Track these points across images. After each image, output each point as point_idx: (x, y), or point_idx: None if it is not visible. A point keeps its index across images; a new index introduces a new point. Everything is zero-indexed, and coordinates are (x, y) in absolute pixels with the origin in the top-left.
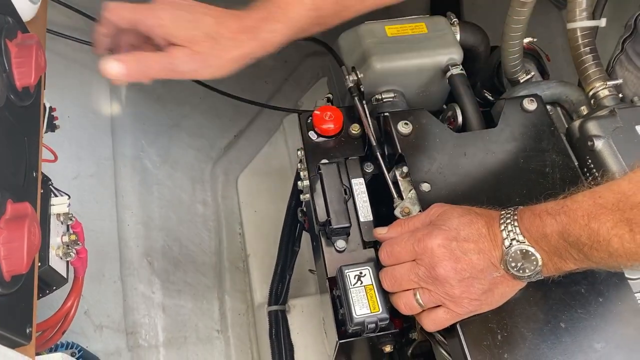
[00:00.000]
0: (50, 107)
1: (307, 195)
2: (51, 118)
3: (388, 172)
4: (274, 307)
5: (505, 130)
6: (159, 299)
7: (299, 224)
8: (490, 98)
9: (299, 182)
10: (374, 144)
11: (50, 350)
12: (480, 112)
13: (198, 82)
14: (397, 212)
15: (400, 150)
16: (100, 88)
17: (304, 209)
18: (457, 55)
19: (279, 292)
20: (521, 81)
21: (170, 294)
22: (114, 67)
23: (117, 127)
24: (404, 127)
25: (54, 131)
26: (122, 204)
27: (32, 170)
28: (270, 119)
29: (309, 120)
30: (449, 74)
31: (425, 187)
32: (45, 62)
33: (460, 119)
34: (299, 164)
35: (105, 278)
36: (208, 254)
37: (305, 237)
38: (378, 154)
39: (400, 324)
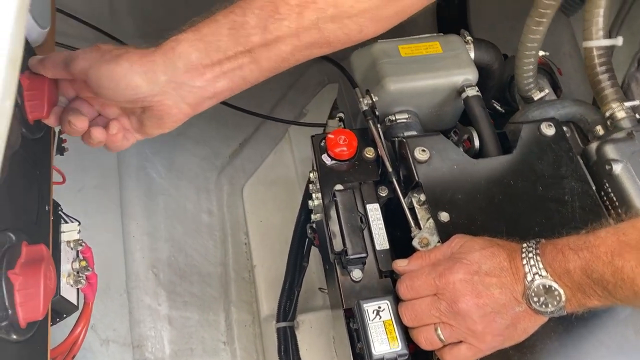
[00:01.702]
0: (60, 131)
1: (319, 215)
2: (60, 141)
3: (404, 197)
4: (283, 324)
5: (523, 156)
6: (165, 311)
7: (307, 240)
8: (500, 109)
9: (310, 202)
10: (390, 170)
11: None
12: (497, 136)
13: None
14: (415, 242)
15: (417, 178)
16: None
17: (314, 226)
18: (472, 75)
19: (287, 309)
20: (535, 98)
21: (176, 305)
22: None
23: None
24: (421, 154)
25: (62, 154)
26: (127, 214)
27: (44, 204)
28: (275, 127)
29: (322, 143)
30: (464, 95)
31: (444, 216)
32: (57, 94)
33: (477, 143)
34: (310, 185)
35: (111, 291)
36: (213, 265)
37: (314, 251)
38: (394, 180)
39: (413, 348)
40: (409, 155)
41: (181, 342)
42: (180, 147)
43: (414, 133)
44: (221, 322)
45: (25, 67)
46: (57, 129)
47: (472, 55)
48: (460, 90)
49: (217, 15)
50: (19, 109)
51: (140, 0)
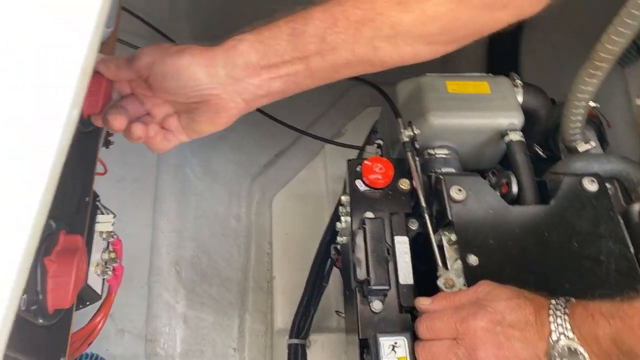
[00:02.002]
0: None
1: (345, 238)
2: (107, 134)
3: (434, 234)
4: (295, 341)
5: (561, 209)
6: (182, 310)
7: (330, 260)
8: (542, 154)
9: (337, 223)
10: (423, 205)
11: None
12: (536, 185)
13: None
14: (440, 282)
15: (450, 217)
16: None
17: (338, 248)
18: (517, 120)
19: (302, 326)
20: (579, 150)
21: (193, 305)
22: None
23: None
24: (457, 194)
25: (107, 147)
26: (159, 210)
27: (85, 195)
28: (312, 142)
29: (357, 168)
30: (507, 138)
31: (473, 260)
32: (111, 92)
33: (515, 189)
34: (340, 207)
35: (134, 283)
36: (234, 270)
37: (335, 272)
38: (426, 216)
39: None
40: (445, 192)
41: (193, 342)
42: (219, 151)
43: (452, 170)
44: (234, 328)
45: None
46: None
47: (520, 99)
48: (504, 133)
49: (279, 21)
50: None
51: (200, 5)
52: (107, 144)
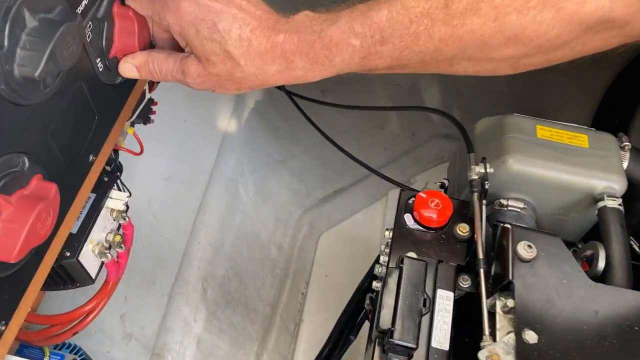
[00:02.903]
0: (151, 99)
1: (380, 284)
2: (147, 110)
3: (487, 297)
4: None
5: None
6: (198, 330)
7: (363, 311)
8: (637, 248)
9: (377, 266)
10: (481, 257)
11: (55, 347)
12: (630, 263)
13: (317, 127)
14: (482, 355)
15: (511, 277)
16: (225, 104)
17: (374, 297)
18: (618, 185)
19: None
20: None
21: (211, 328)
22: (127, 69)
23: (226, 144)
24: (525, 250)
25: (145, 124)
26: (201, 219)
27: (89, 153)
28: (376, 185)
29: (410, 201)
30: (601, 204)
31: (531, 337)
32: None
33: (601, 264)
34: (382, 246)
35: (155, 288)
36: (263, 302)
37: (366, 326)
38: (482, 271)
39: None
40: (510, 246)
41: None
42: (277, 175)
43: None
44: None
45: None
46: (148, 95)
47: (625, 164)
48: (597, 198)
49: (353, 38)
50: (99, 36)
51: None
52: (146, 120)
